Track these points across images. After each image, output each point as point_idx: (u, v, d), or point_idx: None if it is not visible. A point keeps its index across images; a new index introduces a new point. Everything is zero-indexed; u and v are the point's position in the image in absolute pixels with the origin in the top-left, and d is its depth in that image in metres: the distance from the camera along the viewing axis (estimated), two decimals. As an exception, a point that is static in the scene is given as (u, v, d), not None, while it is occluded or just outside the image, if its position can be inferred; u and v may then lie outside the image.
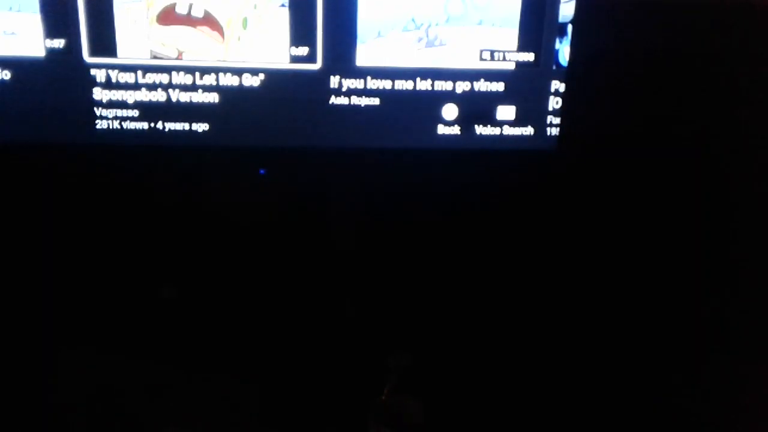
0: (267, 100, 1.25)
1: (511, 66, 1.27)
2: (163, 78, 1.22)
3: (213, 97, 1.24)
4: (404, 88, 1.27)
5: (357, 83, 1.26)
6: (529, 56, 1.27)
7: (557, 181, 1.40)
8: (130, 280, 1.35)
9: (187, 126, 1.25)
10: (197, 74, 1.22)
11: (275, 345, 1.38)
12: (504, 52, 1.26)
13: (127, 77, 1.22)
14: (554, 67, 1.28)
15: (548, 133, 1.33)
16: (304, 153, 1.31)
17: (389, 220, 1.39)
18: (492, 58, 1.26)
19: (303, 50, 1.23)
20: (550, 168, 1.38)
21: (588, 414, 1.36)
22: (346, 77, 1.25)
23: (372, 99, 1.27)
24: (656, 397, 1.39)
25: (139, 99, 1.23)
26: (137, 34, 1.19)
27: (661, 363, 1.42)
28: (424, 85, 1.27)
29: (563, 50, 1.27)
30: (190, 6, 1.19)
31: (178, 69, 1.22)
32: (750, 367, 1.37)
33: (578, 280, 1.45)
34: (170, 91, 1.23)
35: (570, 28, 1.26)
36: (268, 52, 1.22)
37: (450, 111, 1.30)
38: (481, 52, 1.26)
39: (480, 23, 1.24)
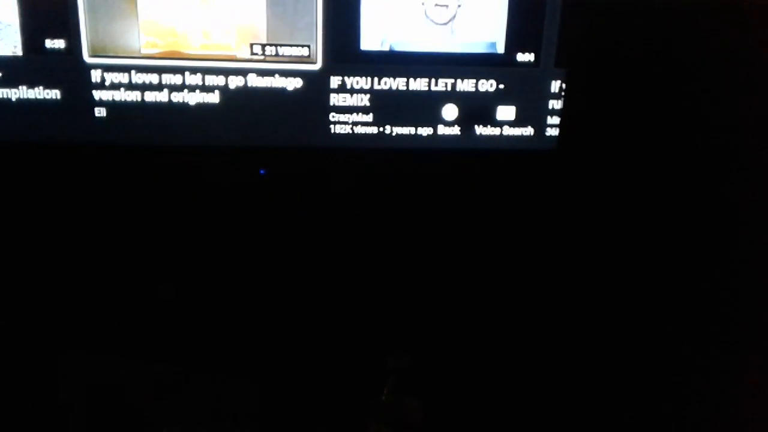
0: (268, 100, 1.25)
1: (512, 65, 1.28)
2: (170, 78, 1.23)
3: (213, 98, 1.24)
4: (404, 87, 1.27)
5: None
6: (530, 56, 1.28)
7: (557, 181, 1.40)
8: (130, 280, 1.35)
9: (186, 126, 1.26)
10: (199, 74, 1.23)
11: (275, 345, 1.38)
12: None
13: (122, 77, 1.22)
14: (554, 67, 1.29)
15: (548, 133, 1.33)
16: (304, 153, 1.31)
17: (389, 220, 1.39)
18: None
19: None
20: (550, 168, 1.37)
21: (588, 414, 1.36)
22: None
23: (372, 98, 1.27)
24: (656, 397, 1.39)
25: (136, 99, 1.24)
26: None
27: (661, 363, 1.42)
28: (423, 84, 1.27)
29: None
30: None
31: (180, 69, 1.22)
32: (750, 367, 1.37)
33: (578, 280, 1.45)
34: (169, 90, 1.24)
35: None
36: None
37: (450, 111, 1.30)
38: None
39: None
